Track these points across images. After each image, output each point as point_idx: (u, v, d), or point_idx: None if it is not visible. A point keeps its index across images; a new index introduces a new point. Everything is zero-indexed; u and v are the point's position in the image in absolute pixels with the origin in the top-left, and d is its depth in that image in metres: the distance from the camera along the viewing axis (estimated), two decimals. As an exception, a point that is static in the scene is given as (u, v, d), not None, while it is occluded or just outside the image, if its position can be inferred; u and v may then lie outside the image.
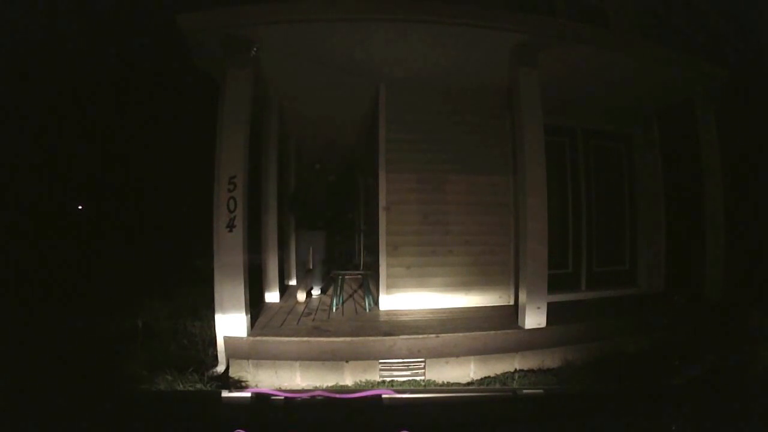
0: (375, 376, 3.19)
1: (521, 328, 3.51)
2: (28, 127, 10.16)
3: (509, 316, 3.86)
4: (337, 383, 3.12)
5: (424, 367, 3.25)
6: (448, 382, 3.21)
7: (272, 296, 4.82)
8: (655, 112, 5.36)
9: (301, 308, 4.38)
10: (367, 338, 3.31)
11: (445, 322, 3.74)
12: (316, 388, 2.30)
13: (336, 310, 4.25)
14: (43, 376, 2.63)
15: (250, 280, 3.45)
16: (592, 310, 4.28)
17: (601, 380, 3.13)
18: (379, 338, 3.29)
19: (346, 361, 3.19)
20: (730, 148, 4.81)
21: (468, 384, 3.21)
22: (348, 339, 3.26)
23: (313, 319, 3.87)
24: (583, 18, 4.80)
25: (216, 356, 3.31)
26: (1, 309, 4.71)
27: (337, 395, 1.21)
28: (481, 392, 2.44)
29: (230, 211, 3.25)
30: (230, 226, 3.25)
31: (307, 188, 5.19)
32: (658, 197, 5.34)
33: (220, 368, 3.20)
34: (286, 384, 3.13)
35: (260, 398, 1.25)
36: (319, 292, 5.05)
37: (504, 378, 3.22)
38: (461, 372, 3.28)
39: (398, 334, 3.30)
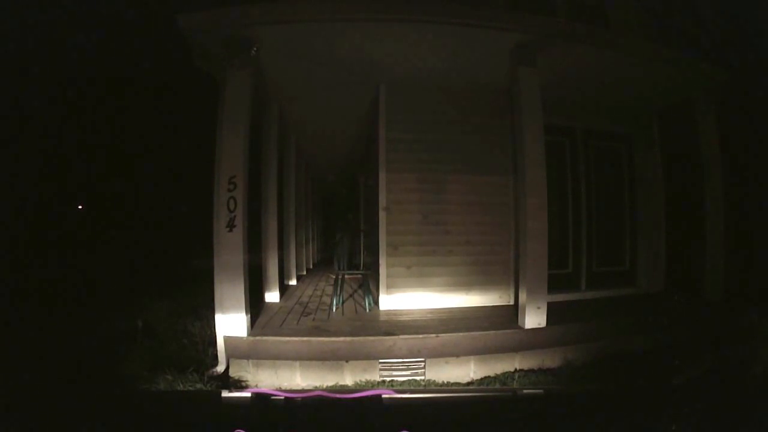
0: (375, 376, 3.19)
1: (521, 328, 3.51)
2: (28, 126, 10.16)
3: (509, 316, 3.86)
4: (337, 383, 3.12)
5: (424, 367, 3.25)
6: (448, 382, 3.21)
7: (272, 296, 4.83)
8: (655, 112, 5.36)
9: (301, 308, 4.39)
10: (367, 338, 3.31)
11: (445, 321, 3.74)
12: (316, 388, 2.30)
13: (336, 310, 4.25)
14: (44, 376, 2.63)
15: (250, 279, 3.45)
16: (592, 310, 4.28)
17: (601, 380, 3.13)
18: (379, 338, 3.29)
19: (346, 361, 3.19)
20: (730, 148, 4.81)
21: (468, 384, 3.21)
22: (348, 339, 3.26)
23: (313, 319, 3.87)
24: (583, 18, 4.80)
25: (216, 356, 3.31)
26: (2, 309, 4.71)
27: (337, 395, 1.21)
28: (481, 392, 2.44)
29: (230, 211, 3.25)
30: (230, 226, 3.25)
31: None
32: (658, 197, 5.34)
33: (220, 368, 3.20)
34: (286, 384, 3.13)
35: (260, 398, 1.25)
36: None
37: (504, 378, 3.22)
38: (461, 372, 3.28)
39: (398, 334, 3.30)
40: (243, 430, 0.91)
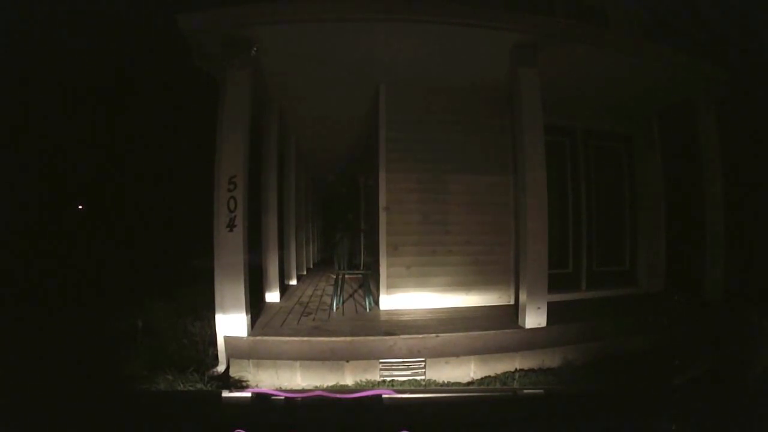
0: (375, 376, 3.19)
1: (521, 328, 3.51)
2: (29, 126, 10.16)
3: (509, 315, 3.86)
4: (337, 383, 3.12)
5: (424, 367, 3.25)
6: (448, 382, 3.21)
7: (272, 296, 4.83)
8: (655, 112, 5.36)
9: (301, 308, 4.39)
10: (367, 338, 3.31)
11: (446, 321, 3.74)
12: (316, 388, 2.30)
13: (336, 310, 4.25)
14: (44, 376, 2.63)
15: (251, 279, 3.45)
16: (592, 310, 4.28)
17: (601, 380, 3.13)
18: (379, 338, 3.29)
19: (347, 361, 3.19)
20: (730, 148, 4.81)
21: (468, 384, 3.20)
22: (348, 339, 3.26)
23: (314, 319, 3.87)
24: (583, 18, 4.80)
25: (216, 356, 3.31)
26: (2, 309, 4.71)
27: (338, 395, 1.21)
28: (481, 392, 2.44)
29: (230, 211, 3.25)
30: (230, 226, 3.25)
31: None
32: (658, 197, 5.34)
33: (221, 368, 3.20)
34: (286, 384, 3.13)
35: (260, 398, 1.25)
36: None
37: (504, 378, 3.21)
38: (461, 372, 3.28)
39: (398, 334, 3.30)
40: (243, 430, 0.91)
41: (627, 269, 5.39)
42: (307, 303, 4.72)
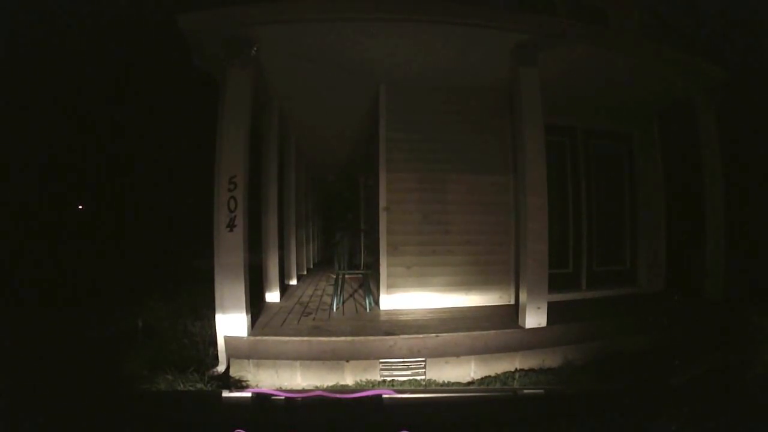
0: (375, 376, 3.19)
1: (522, 328, 3.51)
2: (29, 126, 10.16)
3: (510, 315, 3.86)
4: (337, 383, 3.12)
5: (424, 367, 3.24)
6: (448, 382, 3.20)
7: (273, 296, 4.82)
8: (655, 112, 5.36)
9: (301, 308, 4.39)
10: (367, 338, 3.31)
11: (446, 321, 3.74)
12: (316, 388, 2.30)
13: (336, 309, 4.25)
14: (43, 376, 2.63)
15: (251, 279, 3.45)
16: (592, 309, 4.28)
17: (601, 380, 3.13)
18: (379, 338, 3.29)
19: (347, 361, 3.19)
20: (730, 148, 4.81)
21: (468, 384, 3.20)
22: (348, 339, 3.27)
23: (314, 319, 3.87)
24: (583, 18, 4.80)
25: (216, 356, 3.31)
26: (2, 309, 4.71)
27: (338, 395, 1.21)
28: (482, 392, 2.44)
29: (230, 211, 3.25)
30: (231, 226, 3.25)
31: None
32: (658, 197, 5.34)
33: (221, 368, 3.20)
34: (286, 384, 3.13)
35: (260, 398, 1.25)
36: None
37: (504, 378, 3.21)
38: (462, 372, 3.28)
39: (399, 334, 3.30)
40: (243, 430, 0.91)
41: (627, 269, 5.39)
42: (308, 303, 4.72)
